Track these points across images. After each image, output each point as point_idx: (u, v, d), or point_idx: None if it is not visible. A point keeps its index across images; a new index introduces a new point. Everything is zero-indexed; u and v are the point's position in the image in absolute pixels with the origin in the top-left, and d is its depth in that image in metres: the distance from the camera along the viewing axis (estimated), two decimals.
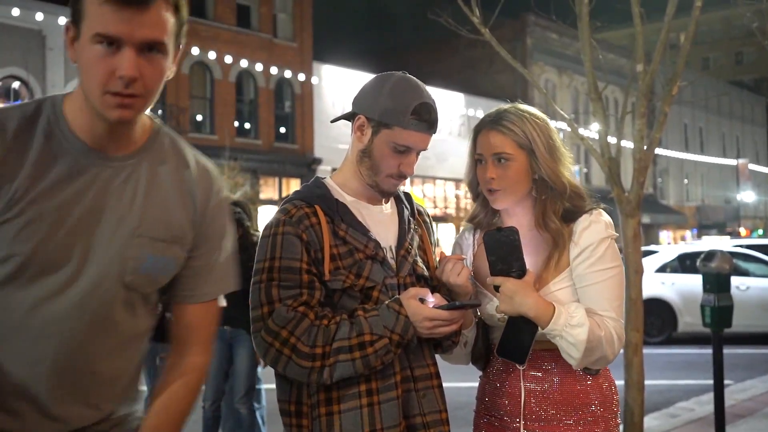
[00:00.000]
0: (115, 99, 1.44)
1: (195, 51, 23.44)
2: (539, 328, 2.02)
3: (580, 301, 2.11)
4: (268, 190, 25.34)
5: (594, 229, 2.13)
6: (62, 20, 20.44)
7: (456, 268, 2.06)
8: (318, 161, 25.61)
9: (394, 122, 1.98)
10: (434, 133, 2.06)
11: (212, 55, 24.00)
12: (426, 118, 2.01)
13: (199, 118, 24.28)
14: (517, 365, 2.15)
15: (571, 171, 2.24)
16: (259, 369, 5.48)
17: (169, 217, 1.61)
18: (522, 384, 2.16)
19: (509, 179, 2.15)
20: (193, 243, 1.66)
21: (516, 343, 2.05)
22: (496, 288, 2.05)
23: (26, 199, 1.45)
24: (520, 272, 2.03)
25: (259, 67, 25.32)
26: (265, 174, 25.22)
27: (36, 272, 1.47)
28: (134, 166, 1.58)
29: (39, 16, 20.49)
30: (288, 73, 26.11)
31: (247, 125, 25.47)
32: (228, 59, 24.43)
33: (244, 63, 24.87)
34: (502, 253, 2.03)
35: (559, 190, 2.16)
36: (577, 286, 2.13)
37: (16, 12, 20.05)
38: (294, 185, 25.47)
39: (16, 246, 1.44)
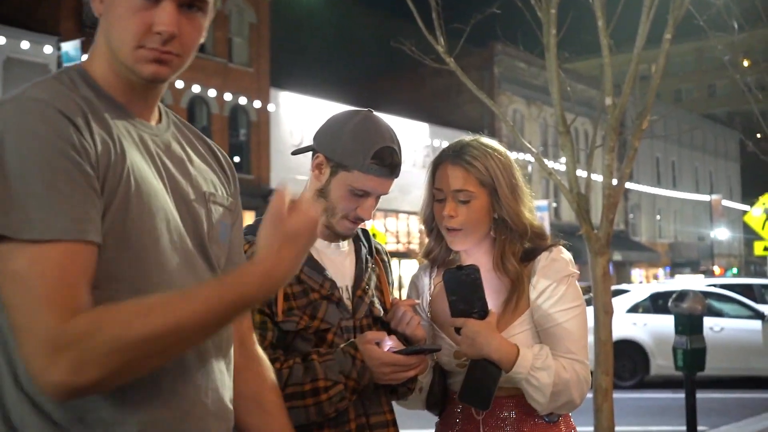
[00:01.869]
0: (151, 53, 1.35)
1: None
2: (503, 372, 2.02)
3: (542, 343, 2.11)
4: None
5: (554, 268, 2.15)
6: (1, 39, 20.38)
7: (405, 316, 2.05)
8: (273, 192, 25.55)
9: (353, 165, 1.98)
10: (396, 177, 2.06)
11: None
12: (387, 163, 2.00)
13: None
14: (478, 411, 2.15)
15: (532, 210, 2.26)
16: None
17: (216, 183, 1.58)
18: (481, 430, 2.15)
19: (469, 218, 2.15)
20: (233, 215, 1.63)
21: (479, 388, 2.04)
22: (457, 330, 2.04)
23: (121, 183, 1.33)
24: (482, 312, 2.03)
25: (212, 92, 25.27)
26: None
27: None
28: (171, 134, 1.52)
29: None
30: (243, 100, 26.09)
31: None
32: (179, 84, 24.36)
33: (196, 88, 24.80)
34: (463, 293, 2.03)
35: (520, 231, 2.18)
36: (540, 328, 2.14)
37: None
38: (248, 218, 25.25)
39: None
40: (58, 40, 20.96)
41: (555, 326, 2.11)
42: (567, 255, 2.21)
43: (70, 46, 20.45)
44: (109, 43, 1.39)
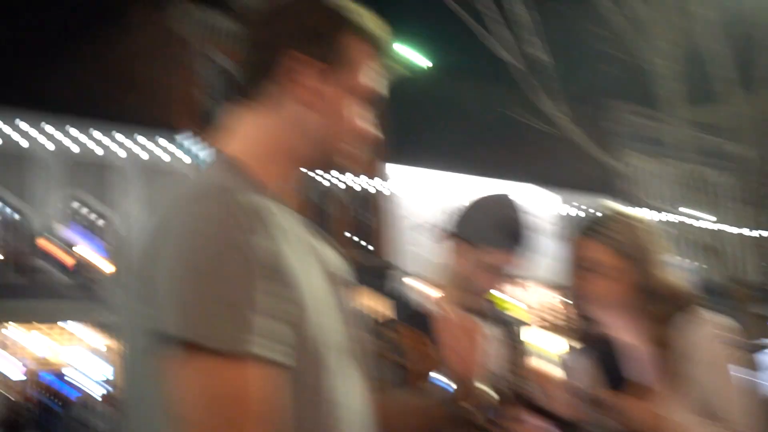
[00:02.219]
0: (354, 150, 1.42)
1: None
2: None
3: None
4: None
5: (700, 333, 2.06)
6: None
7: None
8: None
9: (481, 241, 2.03)
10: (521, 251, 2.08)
11: None
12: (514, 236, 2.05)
13: None
14: None
15: (674, 273, 2.18)
16: None
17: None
18: None
19: (610, 290, 2.10)
20: None
21: None
22: (608, 406, 1.98)
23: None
24: (634, 387, 2.00)
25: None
26: None
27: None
28: None
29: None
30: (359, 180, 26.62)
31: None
32: None
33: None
34: (607, 366, 2.03)
35: (661, 295, 2.10)
36: (694, 395, 2.02)
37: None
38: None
39: None
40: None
41: (710, 394, 2.02)
42: (707, 314, 2.13)
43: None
44: (305, 128, 1.39)
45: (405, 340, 2.02)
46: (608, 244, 2.11)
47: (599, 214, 2.20)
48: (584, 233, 2.17)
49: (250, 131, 1.35)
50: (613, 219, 2.16)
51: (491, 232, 2.01)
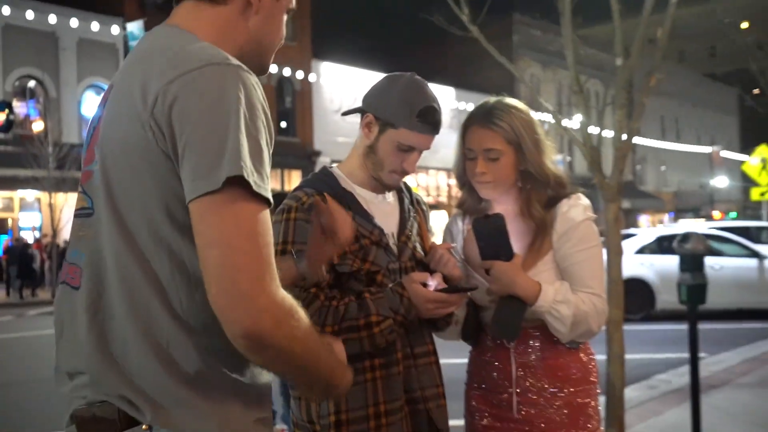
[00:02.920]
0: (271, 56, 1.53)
1: None
2: (528, 306, 2.03)
3: (564, 280, 2.12)
4: (272, 181, 25.29)
5: (574, 213, 2.14)
6: (74, 22, 20.45)
7: (443, 258, 2.06)
8: (318, 153, 25.60)
9: (400, 123, 1.99)
10: (437, 134, 2.06)
11: None
12: (430, 121, 2.01)
13: None
14: (509, 342, 2.17)
15: (554, 161, 2.24)
16: None
17: None
18: (512, 358, 2.17)
19: (498, 173, 2.15)
20: None
21: (507, 322, 2.06)
22: (487, 271, 2.05)
23: None
24: (508, 255, 2.03)
25: None
26: None
27: None
28: None
29: (52, 19, 20.43)
30: (288, 71, 26.02)
31: None
32: None
33: None
34: (490, 239, 2.03)
35: (543, 180, 2.17)
36: (561, 266, 2.14)
37: (30, 15, 20.01)
38: (295, 176, 25.41)
39: None
40: (123, 21, 20.99)
41: (574, 264, 2.12)
42: (585, 201, 2.20)
43: (134, 26, 20.50)
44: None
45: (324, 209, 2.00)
46: (493, 130, 2.13)
47: (489, 106, 2.19)
48: (473, 121, 2.19)
49: (203, 22, 1.36)
50: (500, 108, 2.16)
51: (408, 115, 1.98)
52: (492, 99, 2.24)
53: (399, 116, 1.99)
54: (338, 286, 1.97)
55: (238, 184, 1.16)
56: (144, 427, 1.22)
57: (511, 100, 2.22)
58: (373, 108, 2.04)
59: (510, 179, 2.17)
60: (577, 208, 2.15)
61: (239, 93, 1.20)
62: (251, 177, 1.18)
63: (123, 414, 1.23)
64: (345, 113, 2.24)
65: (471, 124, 2.20)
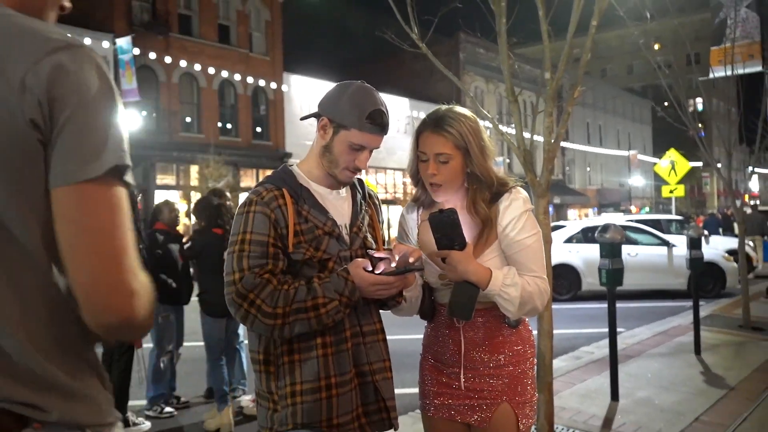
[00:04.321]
0: None
1: (183, 63, 22.96)
2: (480, 290, 2.02)
3: (509, 265, 2.11)
4: (247, 179, 25.05)
5: (514, 206, 2.13)
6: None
7: (414, 254, 2.00)
8: (289, 155, 25.38)
9: (352, 125, 1.96)
10: (385, 134, 2.03)
11: (198, 67, 23.56)
12: (379, 122, 1.98)
13: (188, 120, 23.81)
14: (459, 321, 2.16)
15: (497, 163, 2.24)
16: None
17: None
18: (462, 334, 2.18)
19: (448, 174, 2.13)
20: None
21: (462, 304, 2.04)
22: (443, 260, 2.04)
23: None
24: (462, 245, 2.02)
25: (237, 77, 24.92)
26: (245, 166, 24.91)
27: None
28: None
29: None
30: (262, 82, 25.75)
31: (228, 126, 25.08)
32: (211, 70, 23.99)
33: (224, 74, 24.45)
34: (445, 231, 2.01)
35: (487, 182, 2.16)
36: (506, 254, 2.13)
37: None
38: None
39: None
40: (113, 37, 20.52)
41: (519, 251, 2.10)
42: (524, 194, 2.18)
43: (123, 41, 20.02)
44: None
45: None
46: (444, 136, 2.11)
47: (441, 113, 2.16)
48: (426, 127, 2.17)
49: None
50: (450, 116, 2.14)
51: (359, 117, 1.95)
52: (443, 107, 2.21)
53: (350, 119, 1.96)
54: (292, 272, 1.94)
55: (114, 170, 1.02)
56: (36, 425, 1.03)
57: (460, 109, 2.19)
58: (328, 112, 2.00)
59: (458, 180, 2.16)
60: (517, 201, 2.14)
61: (105, 74, 1.05)
62: (127, 162, 1.04)
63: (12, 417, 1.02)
64: (303, 118, 2.21)
65: (424, 129, 2.17)
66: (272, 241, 1.90)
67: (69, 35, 1.05)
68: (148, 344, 5.74)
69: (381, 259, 2.00)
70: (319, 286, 1.88)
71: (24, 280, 1.03)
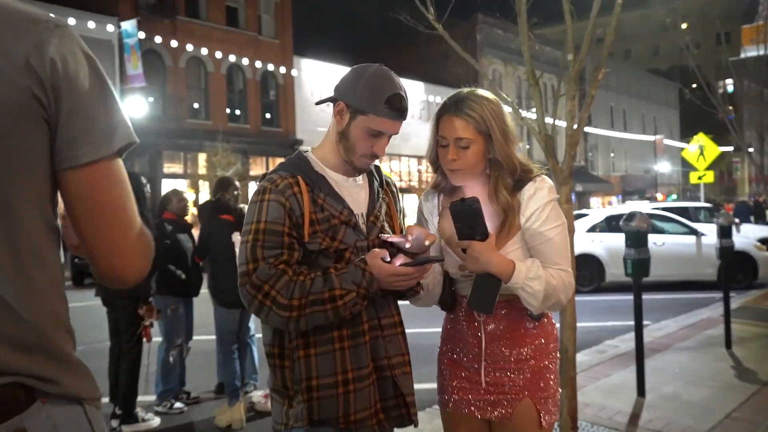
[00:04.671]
0: None
1: (190, 48, 23.01)
2: (502, 283, 2.01)
3: (533, 257, 2.09)
4: (257, 167, 25.13)
5: (539, 195, 2.10)
6: (71, 21, 20.00)
7: (429, 237, 1.99)
8: (299, 142, 25.40)
9: (370, 110, 1.95)
10: (404, 120, 2.01)
11: (205, 51, 23.61)
12: (397, 107, 1.96)
13: (195, 106, 23.91)
14: (480, 314, 2.15)
15: (520, 149, 2.21)
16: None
17: None
18: (482, 327, 2.17)
19: (469, 161, 2.11)
20: None
21: (484, 297, 2.02)
22: (464, 250, 2.02)
23: None
24: (484, 236, 2.00)
25: (246, 61, 24.95)
26: (254, 154, 24.98)
27: None
28: None
29: None
30: (271, 67, 25.76)
31: (237, 112, 25.15)
32: (219, 55, 24.03)
33: (233, 58, 24.48)
34: (466, 221, 1.99)
35: (510, 168, 2.12)
36: (530, 245, 2.11)
37: None
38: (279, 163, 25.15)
39: None
40: (118, 20, 20.59)
41: (543, 243, 2.08)
42: (549, 182, 2.15)
43: (128, 24, 20.10)
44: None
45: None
46: (465, 120, 2.08)
47: (462, 96, 2.13)
48: (446, 111, 2.14)
49: None
50: (472, 99, 2.11)
51: (377, 102, 1.93)
52: (465, 89, 2.18)
53: (368, 103, 1.95)
54: (308, 262, 1.94)
55: (123, 149, 1.14)
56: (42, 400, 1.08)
57: (482, 91, 2.16)
58: (344, 96, 1.99)
59: (479, 167, 2.13)
60: (542, 190, 2.12)
61: (88, 51, 1.15)
62: (135, 139, 1.16)
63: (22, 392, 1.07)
64: (318, 102, 2.19)
65: (444, 113, 2.14)
66: (287, 231, 1.90)
67: (51, 14, 1.12)
68: (157, 338, 5.80)
69: (395, 243, 2.00)
70: (336, 277, 1.88)
71: (26, 257, 1.08)
